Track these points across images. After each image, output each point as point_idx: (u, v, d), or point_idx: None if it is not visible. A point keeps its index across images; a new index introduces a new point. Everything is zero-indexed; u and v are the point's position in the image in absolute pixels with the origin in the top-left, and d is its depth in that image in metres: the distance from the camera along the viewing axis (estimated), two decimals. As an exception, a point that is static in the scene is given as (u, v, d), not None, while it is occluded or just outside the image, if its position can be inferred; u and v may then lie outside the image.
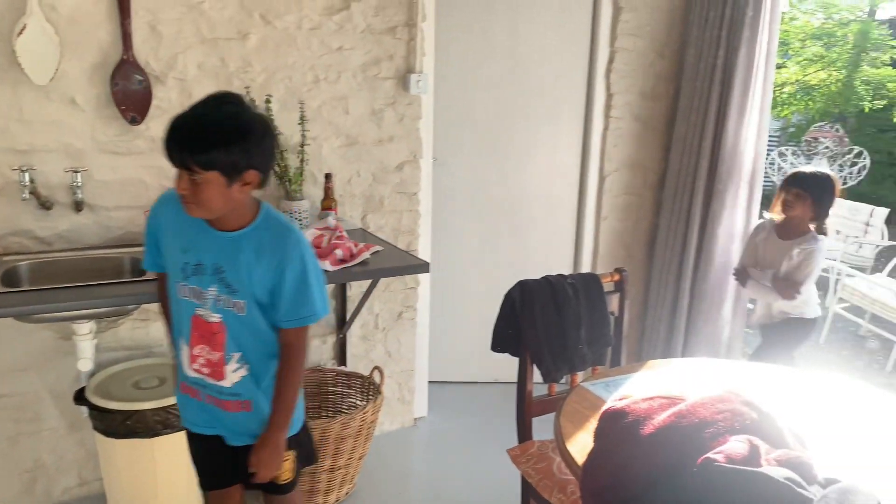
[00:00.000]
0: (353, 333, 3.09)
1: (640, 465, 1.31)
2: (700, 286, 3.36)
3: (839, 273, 4.95)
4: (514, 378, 2.23)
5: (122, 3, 2.36)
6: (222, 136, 1.47)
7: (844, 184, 7.15)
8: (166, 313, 1.79)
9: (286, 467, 1.75)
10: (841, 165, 7.17)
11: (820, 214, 2.72)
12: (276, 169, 2.64)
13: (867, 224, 5.85)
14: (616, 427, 1.41)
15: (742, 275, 2.94)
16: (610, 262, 3.58)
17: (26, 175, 2.29)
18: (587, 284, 2.29)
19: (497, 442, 2.86)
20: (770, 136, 4.54)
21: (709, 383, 1.55)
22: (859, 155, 7.19)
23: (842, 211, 6.06)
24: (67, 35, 2.33)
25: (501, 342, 2.24)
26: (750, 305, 3.39)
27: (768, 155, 6.34)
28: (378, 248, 2.54)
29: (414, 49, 2.94)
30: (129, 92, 2.42)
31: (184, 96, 2.54)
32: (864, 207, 5.92)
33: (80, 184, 2.40)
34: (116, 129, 2.47)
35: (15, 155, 2.33)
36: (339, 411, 2.91)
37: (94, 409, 2.30)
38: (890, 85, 8.13)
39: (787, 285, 2.72)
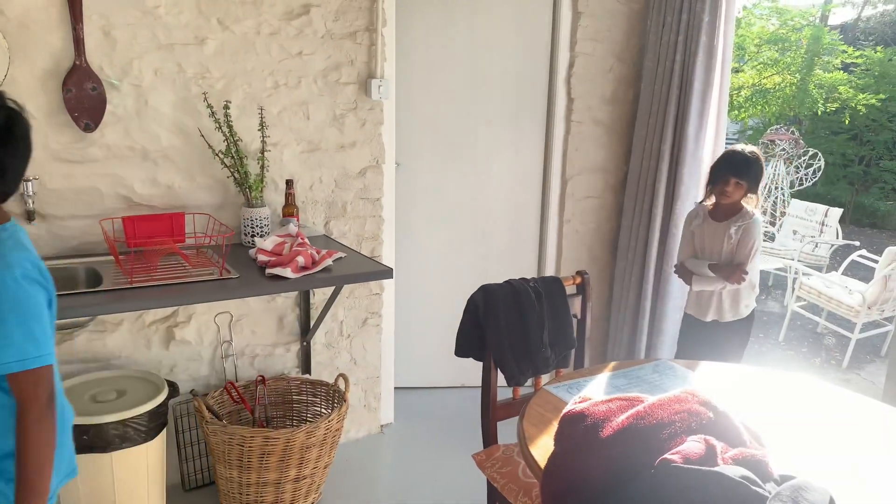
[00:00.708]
0: (318, 341, 3.06)
1: (599, 467, 1.32)
2: (663, 287, 3.40)
3: (797, 272, 5.07)
4: (479, 382, 2.24)
5: (73, 8, 2.31)
6: None
7: (801, 185, 7.34)
8: None
9: None
10: (797, 167, 7.36)
11: (753, 192, 2.69)
12: (237, 176, 2.61)
13: (823, 224, 6.00)
14: (576, 430, 1.42)
15: (682, 270, 2.84)
16: (573, 265, 3.61)
17: (-25, 184, 2.23)
18: (549, 288, 2.31)
19: (463, 447, 2.87)
20: (727, 138, 4.63)
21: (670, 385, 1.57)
22: (814, 157, 7.39)
23: (798, 211, 6.22)
24: (17, 40, 2.27)
25: (465, 347, 2.24)
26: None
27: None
28: (341, 254, 2.52)
29: (375, 54, 2.93)
30: (82, 98, 2.37)
31: (140, 103, 2.50)
32: (820, 208, 6.08)
33: (32, 193, 2.34)
34: (69, 136, 2.41)
35: (-38, 164, 2.26)
36: (304, 420, 2.88)
37: (48, 424, 2.23)
38: (842, 88, 8.37)
39: (733, 269, 2.66)
